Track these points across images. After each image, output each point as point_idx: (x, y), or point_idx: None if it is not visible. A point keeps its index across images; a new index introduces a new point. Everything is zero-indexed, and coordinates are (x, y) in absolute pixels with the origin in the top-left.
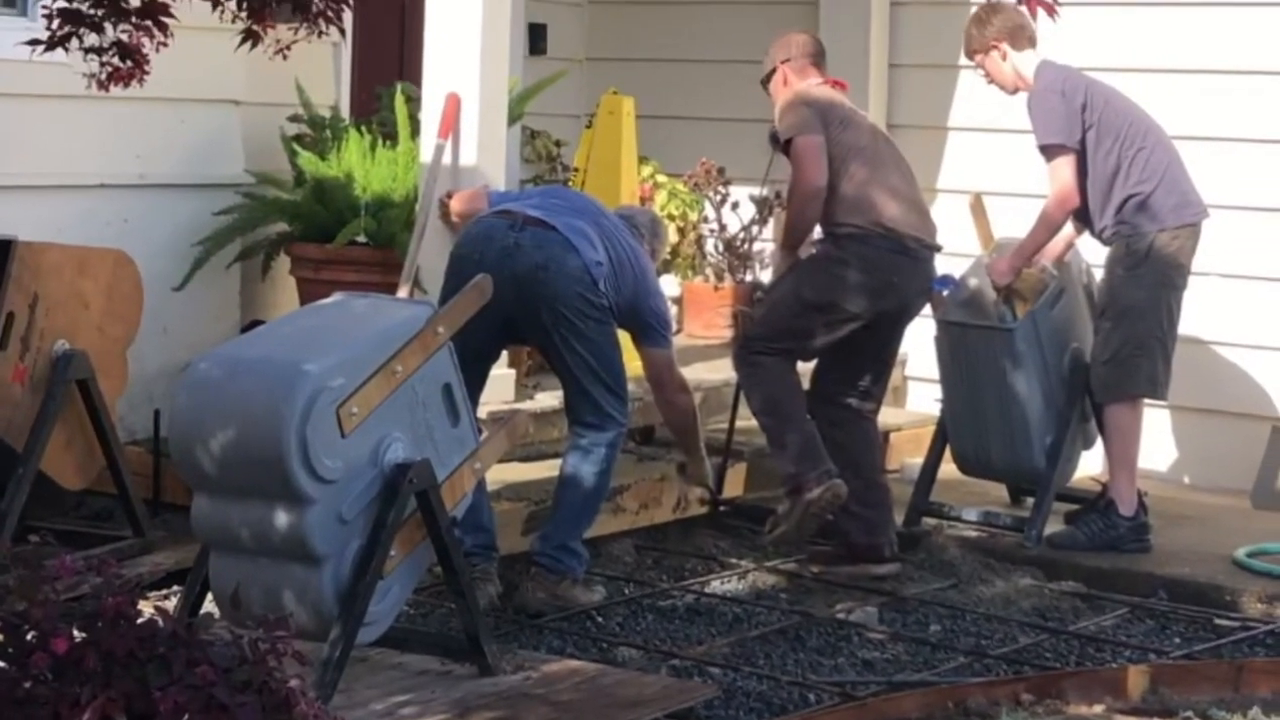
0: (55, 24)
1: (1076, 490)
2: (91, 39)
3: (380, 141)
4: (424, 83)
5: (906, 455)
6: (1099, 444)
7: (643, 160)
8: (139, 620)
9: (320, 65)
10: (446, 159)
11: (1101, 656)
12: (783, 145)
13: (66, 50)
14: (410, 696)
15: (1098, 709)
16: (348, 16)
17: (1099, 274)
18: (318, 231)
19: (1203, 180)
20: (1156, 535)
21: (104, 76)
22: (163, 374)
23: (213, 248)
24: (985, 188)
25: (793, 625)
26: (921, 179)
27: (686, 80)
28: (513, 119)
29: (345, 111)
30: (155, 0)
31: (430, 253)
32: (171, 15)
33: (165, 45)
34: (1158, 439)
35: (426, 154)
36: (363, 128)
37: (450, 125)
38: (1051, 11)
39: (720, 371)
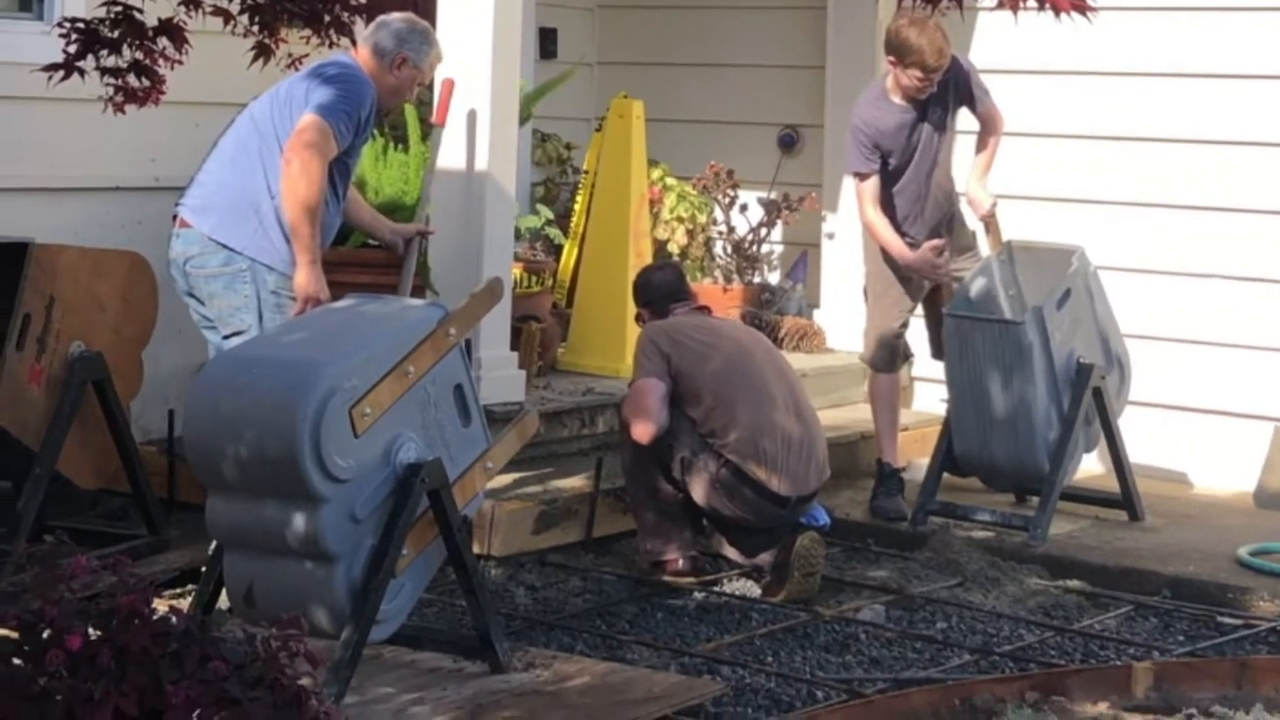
0: (71, 39)
1: (1081, 489)
2: (109, 61)
3: (392, 145)
4: (434, 86)
5: (913, 455)
6: (1101, 445)
7: (652, 163)
8: (153, 618)
9: None
10: (459, 162)
11: (1106, 654)
12: None
13: (83, 76)
14: (422, 694)
15: (1102, 706)
16: (359, 25)
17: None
18: None
19: (1209, 183)
20: (1160, 534)
21: (120, 99)
22: (177, 375)
23: None
24: (995, 189)
25: (800, 623)
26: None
27: (696, 84)
28: (523, 119)
29: None
30: (173, 21)
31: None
32: (186, 40)
33: (180, 63)
34: (1163, 438)
35: (436, 156)
36: (375, 132)
37: (445, 109)
38: (1086, 9)
39: None
